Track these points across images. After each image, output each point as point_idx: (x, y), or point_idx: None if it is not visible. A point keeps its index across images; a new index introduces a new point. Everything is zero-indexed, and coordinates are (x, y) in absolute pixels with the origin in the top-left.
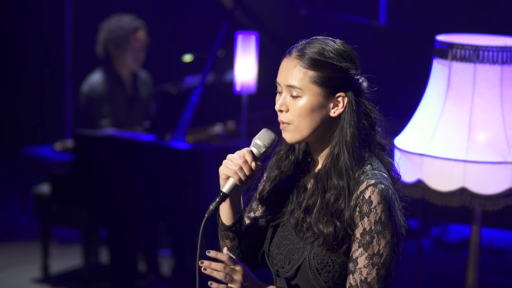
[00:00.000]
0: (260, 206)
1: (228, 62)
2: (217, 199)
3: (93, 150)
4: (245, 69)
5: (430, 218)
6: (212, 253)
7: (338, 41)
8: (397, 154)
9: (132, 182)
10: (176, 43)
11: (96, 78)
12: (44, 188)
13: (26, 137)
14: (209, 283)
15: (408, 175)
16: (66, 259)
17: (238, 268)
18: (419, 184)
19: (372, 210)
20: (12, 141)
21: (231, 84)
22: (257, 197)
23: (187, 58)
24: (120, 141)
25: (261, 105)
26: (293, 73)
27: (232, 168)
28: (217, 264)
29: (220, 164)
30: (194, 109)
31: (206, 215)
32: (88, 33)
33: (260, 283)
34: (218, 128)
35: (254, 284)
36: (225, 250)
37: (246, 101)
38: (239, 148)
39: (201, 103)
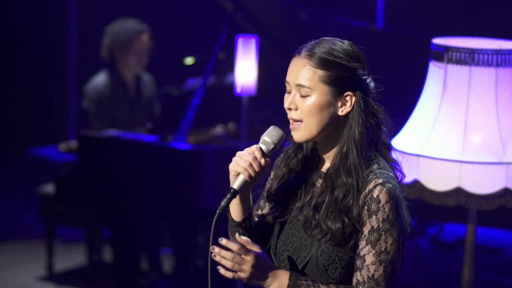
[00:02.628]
0: (267, 203)
1: (229, 65)
2: (228, 196)
3: (97, 151)
4: (245, 71)
5: (427, 218)
6: (223, 241)
7: (346, 41)
8: (394, 154)
9: (135, 182)
10: (178, 46)
11: (99, 80)
12: (49, 188)
13: (31, 138)
14: (217, 267)
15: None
16: (70, 258)
17: (248, 258)
18: (416, 184)
19: (380, 208)
20: (17, 142)
21: (231, 86)
22: (265, 195)
23: (189, 60)
24: (123, 142)
25: (261, 106)
26: (302, 72)
27: (242, 164)
28: (227, 252)
29: (221, 164)
30: (196, 110)
31: (217, 211)
32: (92, 36)
33: (275, 271)
34: (219, 129)
35: (267, 271)
36: (237, 236)
37: (246, 103)
38: (240, 149)
39: (202, 104)
